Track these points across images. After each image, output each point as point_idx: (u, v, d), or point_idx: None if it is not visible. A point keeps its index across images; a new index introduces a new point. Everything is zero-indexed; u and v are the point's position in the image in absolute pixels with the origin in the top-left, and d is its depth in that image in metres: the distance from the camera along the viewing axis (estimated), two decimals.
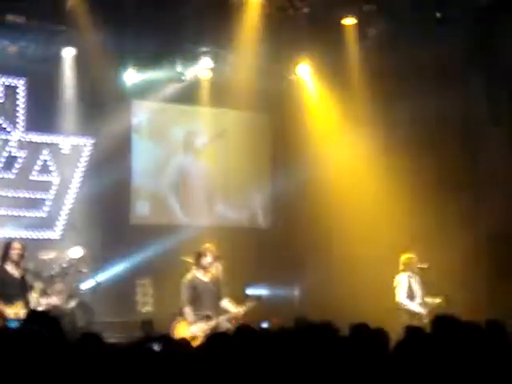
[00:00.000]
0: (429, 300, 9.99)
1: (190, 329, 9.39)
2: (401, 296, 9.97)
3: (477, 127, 12.22)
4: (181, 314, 9.58)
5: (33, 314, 5.98)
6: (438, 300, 9.88)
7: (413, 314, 9.71)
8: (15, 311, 8.91)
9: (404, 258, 10.13)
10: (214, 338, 4.63)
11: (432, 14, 11.77)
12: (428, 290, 10.11)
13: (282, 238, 13.76)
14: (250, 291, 12.95)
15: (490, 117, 11.95)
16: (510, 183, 11.71)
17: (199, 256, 9.75)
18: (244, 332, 5.48)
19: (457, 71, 12.08)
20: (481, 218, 11.93)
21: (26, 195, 12.70)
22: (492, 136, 12.01)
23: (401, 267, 10.10)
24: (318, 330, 5.37)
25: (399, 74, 12.29)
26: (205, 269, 9.73)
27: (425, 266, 10.14)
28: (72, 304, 10.95)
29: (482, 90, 11.95)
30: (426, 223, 11.63)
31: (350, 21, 12.56)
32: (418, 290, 10.06)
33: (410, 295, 10.00)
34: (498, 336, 5.27)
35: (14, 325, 8.15)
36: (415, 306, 9.90)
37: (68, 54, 12.53)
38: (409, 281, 10.05)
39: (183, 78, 13.19)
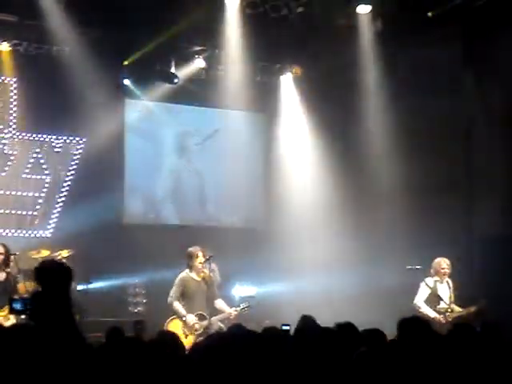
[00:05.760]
0: (458, 308, 9.73)
1: (184, 324, 9.38)
2: (417, 299, 9.72)
3: (470, 128, 12.23)
4: (173, 312, 9.55)
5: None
6: (470, 309, 9.58)
7: (430, 319, 9.15)
8: (3, 315, 8.79)
9: (434, 262, 9.90)
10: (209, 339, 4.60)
11: (425, 14, 11.80)
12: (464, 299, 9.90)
13: (275, 239, 13.73)
14: (241, 293, 12.98)
15: (484, 117, 11.95)
16: (504, 184, 11.72)
17: (191, 257, 9.73)
18: (237, 332, 5.46)
19: (450, 71, 12.10)
20: (474, 218, 11.94)
21: (18, 193, 12.63)
22: (486, 137, 12.01)
23: (431, 271, 9.92)
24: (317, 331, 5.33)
25: (393, 74, 12.30)
26: (198, 270, 9.71)
27: (417, 267, 10.04)
28: None
29: (476, 91, 11.95)
30: (420, 224, 11.62)
31: (344, 21, 12.57)
32: (445, 295, 9.76)
33: (432, 300, 9.70)
34: (493, 338, 5.25)
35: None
36: (431, 311, 9.60)
37: (61, 52, 12.47)
38: (435, 285, 9.79)
39: (176, 80, 13.18)
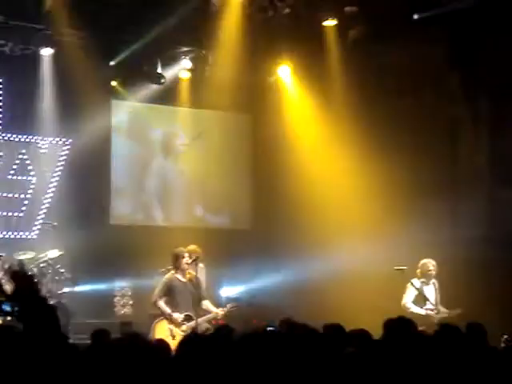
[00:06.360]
0: (444, 310, 9.76)
1: (170, 323, 9.37)
2: (405, 300, 9.74)
3: (456, 130, 12.27)
4: (160, 312, 9.54)
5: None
6: (455, 311, 9.59)
7: (420, 319, 8.82)
8: None
9: (420, 263, 9.90)
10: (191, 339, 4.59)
11: (411, 15, 11.85)
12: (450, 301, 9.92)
13: (262, 240, 13.74)
14: (229, 293, 12.97)
15: (469, 119, 12.01)
16: (490, 184, 11.77)
17: (177, 258, 9.72)
18: (223, 332, 5.46)
19: (436, 71, 12.15)
20: (460, 219, 11.98)
21: (4, 195, 12.56)
22: (471, 138, 12.07)
23: (417, 272, 9.92)
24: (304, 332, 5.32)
25: (379, 74, 12.34)
26: (183, 270, 9.70)
27: (403, 268, 10.05)
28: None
29: (461, 90, 12.00)
30: (407, 224, 11.65)
31: (330, 22, 12.61)
32: (431, 296, 9.79)
33: (418, 301, 9.72)
34: (478, 339, 5.28)
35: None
36: (421, 310, 9.64)
37: (47, 53, 12.42)
38: (421, 286, 9.79)
39: (163, 80, 13.18)
